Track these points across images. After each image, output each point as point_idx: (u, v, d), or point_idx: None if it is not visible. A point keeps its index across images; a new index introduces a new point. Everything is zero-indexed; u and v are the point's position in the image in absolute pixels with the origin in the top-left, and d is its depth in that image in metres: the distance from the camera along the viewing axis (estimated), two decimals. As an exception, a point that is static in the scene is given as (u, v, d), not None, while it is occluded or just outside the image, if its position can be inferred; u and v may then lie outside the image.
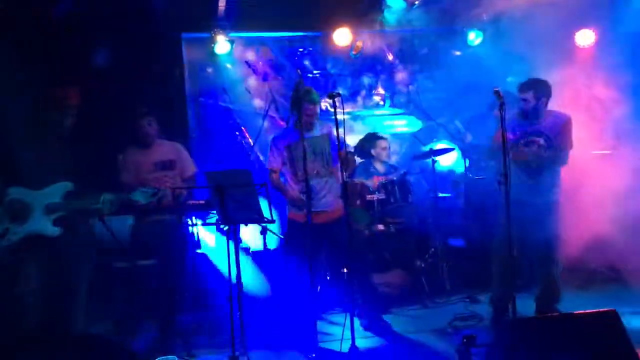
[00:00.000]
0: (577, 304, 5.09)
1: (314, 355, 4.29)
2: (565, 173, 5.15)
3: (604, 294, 5.62)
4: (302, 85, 4.69)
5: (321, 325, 5.04)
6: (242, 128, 6.89)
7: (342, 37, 6.54)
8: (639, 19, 6.23)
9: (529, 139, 4.77)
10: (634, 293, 5.54)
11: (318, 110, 4.76)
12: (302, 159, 4.37)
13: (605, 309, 3.42)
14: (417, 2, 5.99)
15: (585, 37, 6.86)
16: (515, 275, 4.36)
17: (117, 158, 4.78)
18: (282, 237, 5.62)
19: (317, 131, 4.80)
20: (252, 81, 6.90)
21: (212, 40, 6.40)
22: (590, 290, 5.79)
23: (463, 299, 5.67)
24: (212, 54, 6.51)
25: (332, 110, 4.15)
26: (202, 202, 4.60)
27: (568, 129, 4.82)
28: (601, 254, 5.71)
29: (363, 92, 7.22)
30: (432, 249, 6.07)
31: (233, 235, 3.79)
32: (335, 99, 4.17)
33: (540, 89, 4.77)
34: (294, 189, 4.73)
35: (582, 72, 6.70)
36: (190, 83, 6.72)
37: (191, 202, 4.84)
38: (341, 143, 4.23)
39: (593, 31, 6.84)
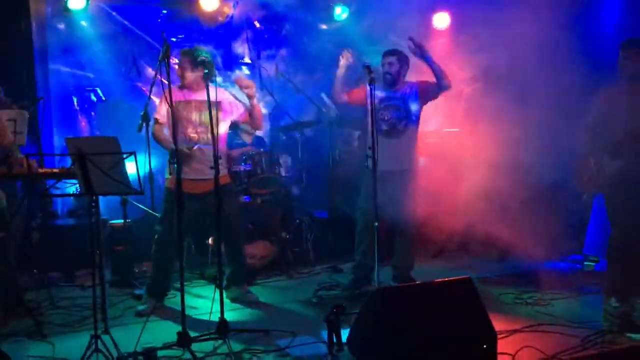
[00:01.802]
0: (432, 272, 5.52)
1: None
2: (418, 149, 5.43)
3: (454, 262, 6.08)
4: (169, 48, 4.40)
5: (187, 299, 4.90)
6: (99, 91, 6.43)
7: (209, 1, 6.30)
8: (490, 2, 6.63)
9: (387, 103, 4.95)
10: (479, 260, 6.08)
11: (202, 74, 4.46)
12: (183, 119, 4.21)
13: (462, 277, 3.67)
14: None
15: (441, 20, 7.25)
16: (375, 244, 4.51)
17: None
18: (148, 209, 5.38)
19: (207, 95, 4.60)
20: (112, 42, 6.42)
21: (65, -6, 5.86)
22: (442, 258, 6.23)
23: (326, 269, 5.83)
24: (65, 9, 5.96)
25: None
26: (55, 170, 4.21)
27: (422, 85, 5.05)
28: (451, 224, 6.16)
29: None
30: (297, 221, 6.15)
31: (94, 207, 3.51)
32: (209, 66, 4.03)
33: (402, 55, 5.02)
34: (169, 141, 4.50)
35: (438, 54, 7.11)
36: (39, 39, 6.10)
37: (42, 170, 4.42)
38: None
39: (448, 14, 7.24)
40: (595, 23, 6.65)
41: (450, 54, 7.19)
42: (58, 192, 4.99)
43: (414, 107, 5.00)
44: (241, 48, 7.06)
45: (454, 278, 3.66)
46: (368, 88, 4.78)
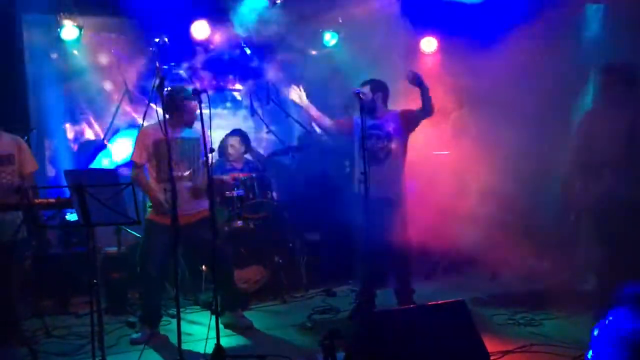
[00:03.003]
0: (425, 293, 5.57)
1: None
2: (409, 171, 5.52)
3: (447, 283, 6.14)
4: (163, 79, 4.48)
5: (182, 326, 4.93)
6: (91, 120, 6.49)
7: (200, 29, 6.40)
8: (476, 28, 6.79)
9: (368, 132, 4.93)
10: (471, 280, 6.15)
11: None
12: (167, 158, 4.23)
13: (455, 300, 3.73)
14: (279, 1, 6.04)
15: (429, 45, 7.41)
16: (375, 271, 4.59)
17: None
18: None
19: (190, 133, 4.68)
20: (105, 71, 6.50)
21: (58, 24, 5.94)
22: (435, 279, 6.30)
23: (320, 293, 5.86)
24: (58, 39, 6.04)
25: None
26: (52, 200, 4.25)
27: (404, 114, 5.11)
28: (441, 246, 6.22)
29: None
30: (290, 244, 6.19)
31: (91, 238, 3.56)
32: (201, 96, 4.10)
33: (376, 85, 5.12)
34: (156, 190, 4.59)
35: (426, 78, 7.25)
36: (33, 70, 6.17)
37: (38, 200, 4.46)
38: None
39: (435, 39, 7.40)
40: (577, 47, 6.81)
41: (438, 77, 7.36)
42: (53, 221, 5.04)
43: (396, 135, 5.06)
44: (232, 74, 7.15)
45: (447, 301, 3.72)
46: (355, 117, 4.91)
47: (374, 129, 5.04)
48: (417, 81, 4.96)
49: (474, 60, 6.50)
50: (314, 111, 5.30)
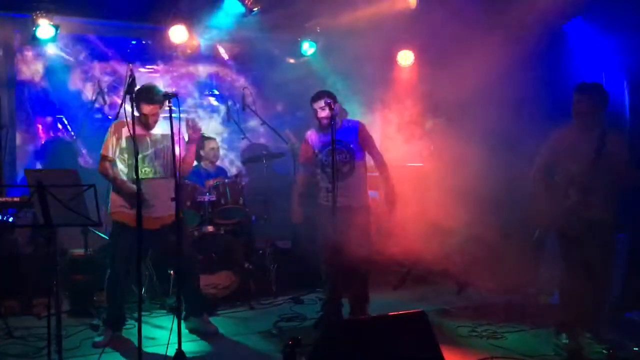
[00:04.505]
0: (391, 303, 5.61)
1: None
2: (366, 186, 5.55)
3: (414, 294, 6.19)
4: (134, 80, 4.47)
5: (145, 329, 4.90)
6: (64, 119, 6.45)
7: (178, 34, 6.40)
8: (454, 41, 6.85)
9: (328, 148, 4.75)
10: (439, 292, 6.20)
11: (158, 110, 4.57)
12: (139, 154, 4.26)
13: (414, 310, 3.74)
14: (256, 9, 6.06)
15: (405, 57, 7.47)
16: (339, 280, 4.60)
17: None
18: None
19: (161, 129, 4.64)
20: (79, 71, 6.47)
21: (34, 23, 5.90)
22: (403, 290, 6.33)
23: (288, 300, 5.86)
24: (34, 38, 6.00)
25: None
26: (16, 199, 4.22)
27: (363, 134, 5.00)
28: (411, 257, 6.26)
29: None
30: (260, 251, 6.19)
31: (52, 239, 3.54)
32: (170, 100, 4.09)
33: (331, 95, 4.88)
34: (126, 182, 4.54)
35: (402, 91, 7.33)
36: (6, 67, 6.12)
37: (3, 199, 4.44)
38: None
39: (412, 52, 7.47)
40: (557, 60, 6.92)
41: (414, 89, 7.44)
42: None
43: (356, 147, 4.96)
44: (208, 80, 7.16)
45: (407, 311, 3.73)
46: (308, 135, 4.95)
47: (336, 143, 4.77)
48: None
49: (450, 72, 6.59)
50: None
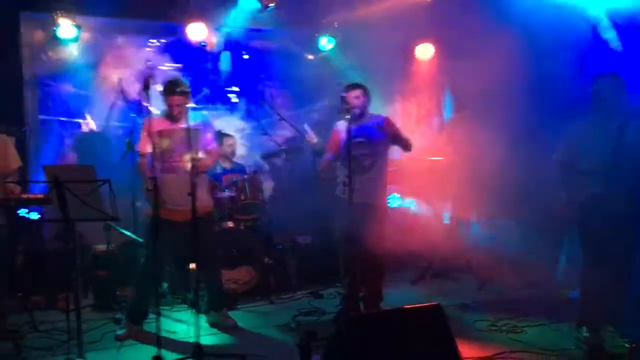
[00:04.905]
0: (410, 298, 5.59)
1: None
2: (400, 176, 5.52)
3: (434, 289, 6.15)
4: (152, 77, 4.55)
5: (166, 323, 4.98)
6: (87, 116, 6.56)
7: (196, 31, 6.46)
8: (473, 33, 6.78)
9: (352, 141, 4.77)
10: (458, 287, 6.16)
11: (183, 102, 4.60)
12: (168, 148, 4.30)
13: (430, 303, 3.73)
14: (271, 5, 6.08)
15: (425, 51, 7.41)
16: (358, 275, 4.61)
17: None
18: (130, 234, 5.48)
19: (188, 124, 4.63)
20: (101, 69, 6.57)
21: (55, 23, 6.01)
22: (422, 285, 6.32)
23: (307, 295, 5.88)
24: (55, 37, 6.12)
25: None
26: (40, 195, 4.31)
27: (389, 128, 4.98)
28: (430, 252, 6.23)
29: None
30: (280, 246, 6.22)
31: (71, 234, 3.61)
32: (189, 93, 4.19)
33: (365, 88, 4.94)
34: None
35: (422, 85, 7.28)
36: (30, 66, 6.25)
37: (25, 195, 4.54)
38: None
39: (432, 44, 7.40)
40: (578, 53, 6.80)
41: (433, 82, 7.39)
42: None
43: (379, 142, 4.93)
44: (227, 76, 7.20)
45: (422, 305, 3.72)
46: (337, 127, 4.89)
47: (360, 136, 4.87)
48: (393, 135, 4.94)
49: (471, 65, 6.52)
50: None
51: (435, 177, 6.63)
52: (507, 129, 5.82)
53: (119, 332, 4.74)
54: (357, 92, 4.90)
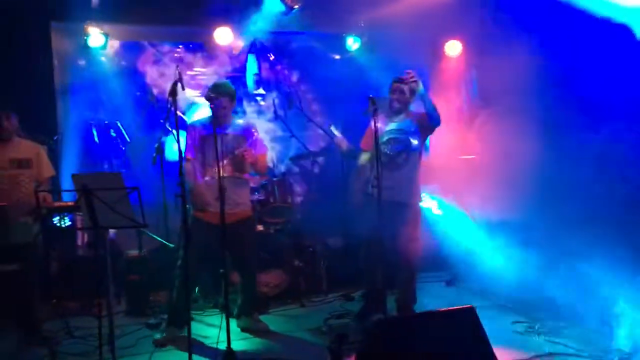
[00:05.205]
0: (445, 298, 5.48)
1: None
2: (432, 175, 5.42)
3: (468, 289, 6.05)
4: (180, 82, 4.51)
5: (198, 328, 4.99)
6: (118, 124, 6.64)
7: (223, 35, 6.49)
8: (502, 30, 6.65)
9: (388, 136, 4.80)
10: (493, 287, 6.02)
11: (230, 105, 4.60)
12: (208, 152, 4.34)
13: (464, 306, 3.64)
14: (296, 7, 6.06)
15: (453, 47, 7.31)
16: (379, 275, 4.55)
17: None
18: (163, 240, 5.52)
19: (234, 129, 4.68)
20: (130, 76, 6.65)
21: (85, 32, 6.11)
22: (456, 285, 6.23)
23: (338, 298, 5.83)
24: (85, 46, 6.21)
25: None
26: (70, 203, 4.37)
27: (420, 124, 4.87)
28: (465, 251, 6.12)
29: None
30: (311, 249, 6.18)
31: (101, 240, 3.64)
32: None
33: (410, 86, 4.79)
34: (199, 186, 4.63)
35: (450, 81, 7.17)
36: (61, 75, 6.36)
37: (57, 203, 4.61)
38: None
39: (460, 41, 7.30)
40: (611, 48, 6.62)
41: (462, 80, 7.28)
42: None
43: (414, 139, 4.86)
44: (254, 79, 7.20)
45: (456, 307, 3.64)
46: (371, 123, 4.80)
47: (395, 133, 4.84)
48: (415, 85, 4.71)
49: (500, 63, 6.39)
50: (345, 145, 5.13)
51: (468, 175, 6.53)
52: (537, 127, 5.70)
53: (157, 336, 4.73)
54: (403, 87, 4.81)
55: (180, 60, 6.74)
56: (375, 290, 4.85)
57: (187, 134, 4.72)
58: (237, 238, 4.55)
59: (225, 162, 4.56)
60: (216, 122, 4.51)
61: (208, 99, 4.57)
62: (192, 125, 4.77)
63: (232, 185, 4.55)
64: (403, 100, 4.86)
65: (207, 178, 4.60)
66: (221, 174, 4.15)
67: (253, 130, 4.80)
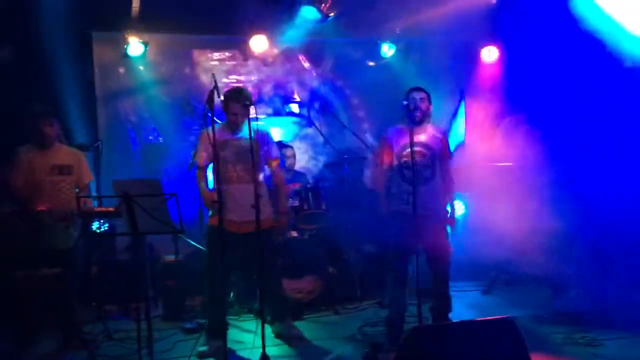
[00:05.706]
0: (482, 307, 5.42)
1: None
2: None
3: (505, 298, 5.96)
4: (216, 89, 4.54)
5: (234, 333, 5.03)
6: (157, 130, 6.77)
7: (258, 43, 6.56)
8: (541, 35, 6.55)
9: (411, 148, 4.49)
10: (531, 296, 5.93)
11: (245, 112, 4.53)
12: (225, 159, 4.33)
13: (503, 316, 3.59)
14: (332, 14, 6.09)
15: (490, 54, 7.24)
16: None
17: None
18: (198, 245, 5.58)
19: (246, 134, 4.62)
20: (168, 84, 6.77)
21: (125, 41, 6.25)
22: (493, 294, 6.13)
23: (373, 305, 5.81)
24: (125, 55, 6.35)
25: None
26: (110, 209, 4.44)
27: (445, 141, 4.80)
28: (500, 260, 6.04)
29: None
30: (345, 256, 6.17)
31: (140, 246, 3.71)
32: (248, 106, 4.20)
33: (429, 93, 4.74)
34: (209, 191, 4.65)
35: (487, 88, 7.10)
36: (102, 83, 6.52)
37: (97, 209, 4.70)
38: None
39: (496, 47, 7.23)
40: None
41: (498, 86, 7.20)
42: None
43: (438, 152, 4.72)
44: (289, 86, 7.25)
45: (495, 317, 3.59)
46: (391, 131, 4.76)
47: (418, 145, 4.59)
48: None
49: (536, 69, 6.31)
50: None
51: (504, 183, 6.44)
52: (575, 134, 5.61)
53: (201, 348, 4.68)
54: (422, 94, 4.69)
55: (216, 69, 6.82)
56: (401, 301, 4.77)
57: (200, 141, 4.75)
58: (248, 246, 4.54)
59: (238, 168, 4.61)
60: (229, 128, 4.55)
61: (223, 105, 4.60)
62: (205, 131, 4.65)
63: (247, 193, 4.46)
64: (425, 108, 4.69)
65: (225, 186, 4.56)
66: (257, 181, 4.17)
67: (267, 136, 4.82)
